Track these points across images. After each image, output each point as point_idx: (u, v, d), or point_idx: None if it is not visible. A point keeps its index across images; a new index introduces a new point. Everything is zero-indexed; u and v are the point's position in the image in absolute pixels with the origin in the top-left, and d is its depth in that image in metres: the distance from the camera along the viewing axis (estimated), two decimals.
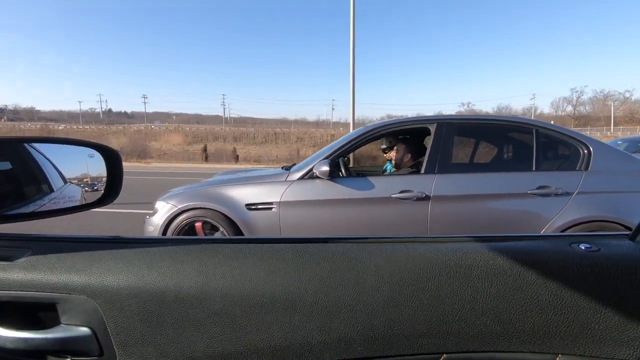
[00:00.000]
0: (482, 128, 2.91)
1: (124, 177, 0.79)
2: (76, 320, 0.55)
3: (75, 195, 0.79)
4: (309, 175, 2.56)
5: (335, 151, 2.62)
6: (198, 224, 2.62)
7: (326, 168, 2.46)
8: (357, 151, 3.93)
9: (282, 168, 2.94)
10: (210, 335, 0.53)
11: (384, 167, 3.33)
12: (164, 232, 2.59)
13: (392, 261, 0.57)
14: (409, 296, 0.53)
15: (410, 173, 2.68)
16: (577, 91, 61.26)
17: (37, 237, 0.62)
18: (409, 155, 2.89)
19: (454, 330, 0.53)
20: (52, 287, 0.54)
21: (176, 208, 2.60)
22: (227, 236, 2.56)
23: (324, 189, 2.52)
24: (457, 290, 0.53)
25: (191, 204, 2.60)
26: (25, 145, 0.73)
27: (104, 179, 0.78)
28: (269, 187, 2.58)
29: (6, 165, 0.72)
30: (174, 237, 0.55)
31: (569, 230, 2.28)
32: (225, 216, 2.57)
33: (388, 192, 2.46)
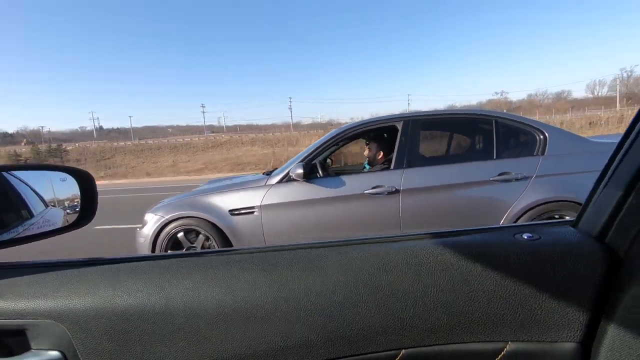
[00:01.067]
0: (446, 122, 3.05)
1: (98, 197, 0.81)
2: (46, 345, 0.56)
3: (55, 218, 0.81)
4: (287, 179, 2.69)
5: (310, 154, 2.77)
6: (199, 233, 2.75)
7: (300, 170, 2.62)
8: (347, 150, 3.99)
9: (263, 173, 3.05)
10: (177, 349, 0.55)
11: (364, 165, 3.43)
12: (154, 242, 2.74)
13: (347, 263, 0.57)
14: (365, 296, 0.54)
15: (382, 169, 2.80)
16: (627, 70, 59.52)
17: (3, 264, 0.65)
18: (381, 152, 3.01)
19: (409, 326, 0.54)
20: (21, 313, 0.56)
21: (164, 219, 2.75)
22: (214, 243, 2.71)
23: (301, 191, 2.66)
24: (409, 287, 0.54)
25: (178, 213, 2.75)
26: (3, 173, 0.76)
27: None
28: (249, 193, 2.72)
29: None
30: (137, 255, 0.57)
31: (530, 212, 2.44)
32: (211, 223, 2.70)
33: (361, 188, 2.61)
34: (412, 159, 2.65)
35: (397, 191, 2.56)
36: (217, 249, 0.61)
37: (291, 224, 2.64)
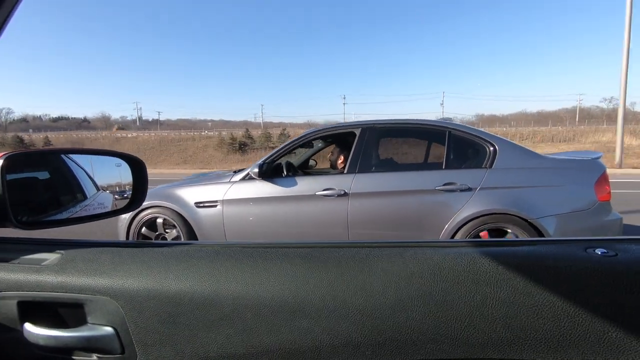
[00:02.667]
0: (402, 131, 3.10)
1: (148, 184, 0.84)
2: (101, 320, 0.59)
3: (107, 202, 0.84)
4: (248, 176, 2.84)
5: (272, 155, 2.90)
6: (159, 221, 2.97)
7: (256, 169, 2.77)
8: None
9: (233, 172, 3.20)
10: (223, 336, 0.55)
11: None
12: (129, 226, 2.98)
13: (399, 265, 0.56)
14: (417, 300, 0.53)
15: (337, 173, 2.91)
16: None
17: (67, 241, 0.67)
18: (342, 157, 3.14)
19: (463, 337, 0.51)
20: (80, 288, 0.58)
21: None
22: (180, 232, 2.92)
23: (259, 188, 2.80)
24: (465, 296, 0.52)
25: (150, 202, 2.93)
26: (62, 155, 0.80)
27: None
28: (215, 187, 2.90)
29: (45, 175, 0.79)
30: (189, 241, 0.58)
31: (471, 223, 2.50)
32: (178, 213, 2.89)
33: (313, 190, 2.72)
34: (364, 165, 2.74)
35: (346, 194, 2.65)
36: (267, 241, 0.62)
37: (248, 219, 2.80)
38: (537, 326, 0.50)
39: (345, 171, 2.74)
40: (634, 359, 0.48)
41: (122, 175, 0.84)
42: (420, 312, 0.52)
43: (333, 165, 3.24)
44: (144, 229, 2.98)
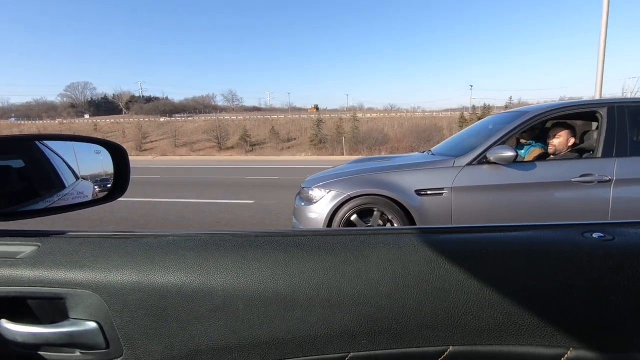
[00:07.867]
0: None
1: (130, 171, 0.80)
2: (83, 315, 0.56)
3: (86, 191, 0.80)
4: (479, 160, 2.56)
5: (502, 137, 2.60)
6: (375, 213, 2.66)
7: (510, 153, 2.43)
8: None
9: (425, 152, 2.91)
10: (214, 328, 0.54)
11: (527, 150, 3.18)
12: (330, 219, 2.67)
13: (395, 252, 0.55)
14: (413, 288, 0.52)
15: (584, 157, 2.62)
16: None
17: (44, 232, 0.64)
18: (572, 139, 2.77)
19: (460, 323, 0.51)
20: (59, 282, 0.55)
21: (344, 195, 2.65)
22: (396, 224, 2.62)
23: (498, 174, 2.50)
24: (462, 282, 0.51)
25: (360, 190, 2.64)
26: (37, 142, 0.75)
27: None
28: (437, 173, 2.60)
29: (19, 163, 0.75)
30: (175, 230, 0.56)
31: None
32: (394, 202, 2.60)
33: (567, 176, 2.44)
34: (622, 147, 2.45)
35: (609, 180, 2.39)
36: (258, 230, 0.60)
37: (484, 208, 2.52)
38: (533, 311, 0.49)
39: (600, 154, 2.46)
40: (631, 340, 0.49)
41: (102, 162, 0.80)
42: (417, 299, 0.51)
43: (558, 150, 2.83)
44: (354, 216, 2.69)
